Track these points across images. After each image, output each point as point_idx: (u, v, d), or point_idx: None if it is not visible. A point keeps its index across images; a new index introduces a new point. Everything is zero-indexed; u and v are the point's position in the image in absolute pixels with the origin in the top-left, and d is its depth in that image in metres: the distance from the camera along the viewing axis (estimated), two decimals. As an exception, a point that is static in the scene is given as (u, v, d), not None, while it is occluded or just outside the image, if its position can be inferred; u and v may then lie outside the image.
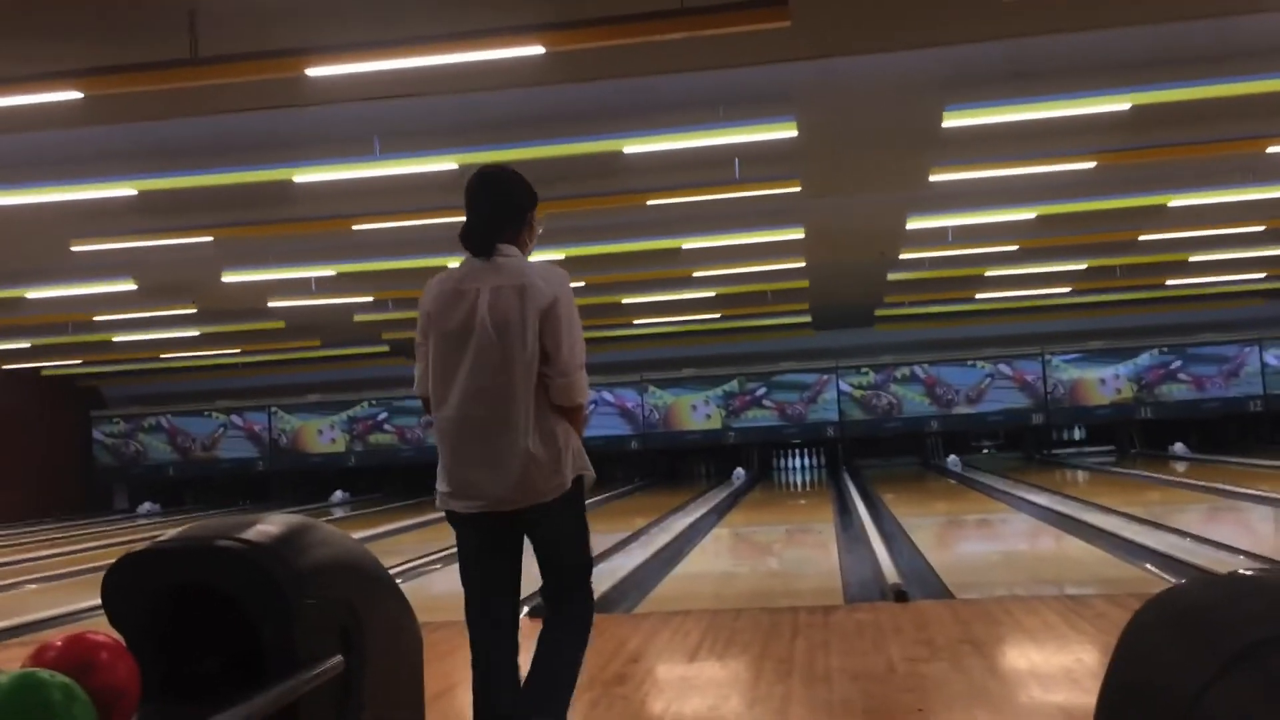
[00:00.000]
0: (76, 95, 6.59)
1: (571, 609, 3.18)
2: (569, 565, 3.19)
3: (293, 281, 14.09)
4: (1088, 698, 3.57)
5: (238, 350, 19.75)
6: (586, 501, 3.24)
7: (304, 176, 9.22)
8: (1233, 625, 0.96)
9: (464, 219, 3.12)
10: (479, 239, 3.10)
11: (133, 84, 6.53)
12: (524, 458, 2.99)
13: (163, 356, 19.96)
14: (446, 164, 9.04)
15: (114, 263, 12.37)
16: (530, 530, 3.12)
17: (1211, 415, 20.19)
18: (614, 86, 8.19)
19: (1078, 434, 22.06)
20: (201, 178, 9.27)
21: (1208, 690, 0.90)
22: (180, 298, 15.04)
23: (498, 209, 3.13)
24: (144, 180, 9.24)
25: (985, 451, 22.05)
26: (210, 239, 10.93)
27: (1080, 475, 17.20)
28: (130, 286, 13.21)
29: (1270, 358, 19.99)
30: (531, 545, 3.16)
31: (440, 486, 3.13)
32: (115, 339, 17.82)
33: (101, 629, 1.79)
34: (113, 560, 2.06)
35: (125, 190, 9.34)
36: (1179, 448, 19.22)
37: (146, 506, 21.58)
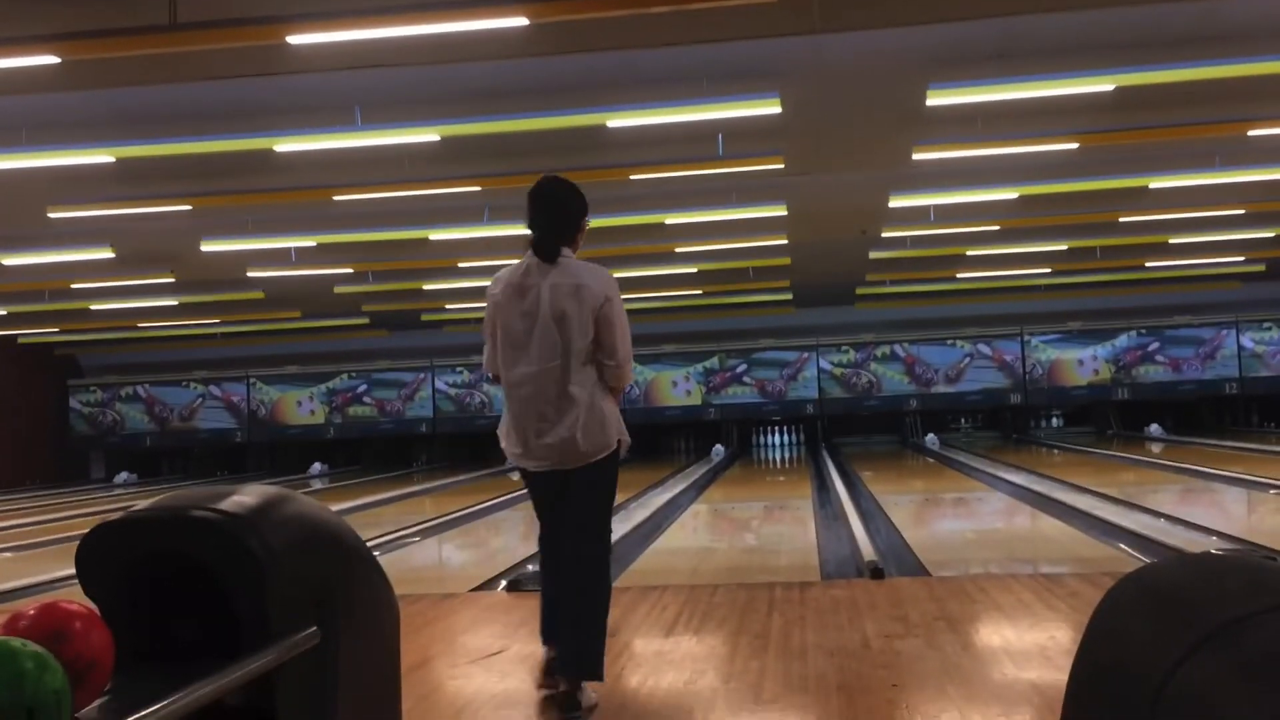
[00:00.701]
0: (53, 60, 6.51)
1: (594, 555, 3.74)
2: (598, 512, 3.77)
3: (272, 252, 14.01)
4: (1060, 675, 3.60)
5: (217, 320, 19.65)
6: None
7: (284, 146, 9.14)
8: (1206, 604, 0.96)
9: (528, 223, 3.74)
10: (548, 248, 3.68)
11: (110, 49, 6.46)
12: (576, 426, 3.61)
13: (141, 326, 19.82)
14: (428, 135, 8.98)
15: (92, 230, 12.26)
16: (579, 479, 3.69)
17: (1188, 397, 20.34)
18: (598, 59, 8.14)
19: (1055, 422, 22.22)
20: (180, 145, 9.18)
21: (1179, 668, 0.90)
22: (159, 267, 14.94)
23: (560, 220, 3.75)
24: (122, 147, 9.14)
25: (963, 424, 22.19)
26: (189, 208, 10.84)
27: (1056, 455, 17.32)
28: (108, 254, 13.09)
29: (1246, 340, 20.14)
30: (573, 492, 3.73)
31: (511, 448, 3.76)
32: (93, 307, 17.70)
33: (75, 598, 1.78)
34: (88, 530, 2.05)
35: (103, 157, 9.24)
36: (1155, 429, 19.36)
37: (123, 476, 21.48)
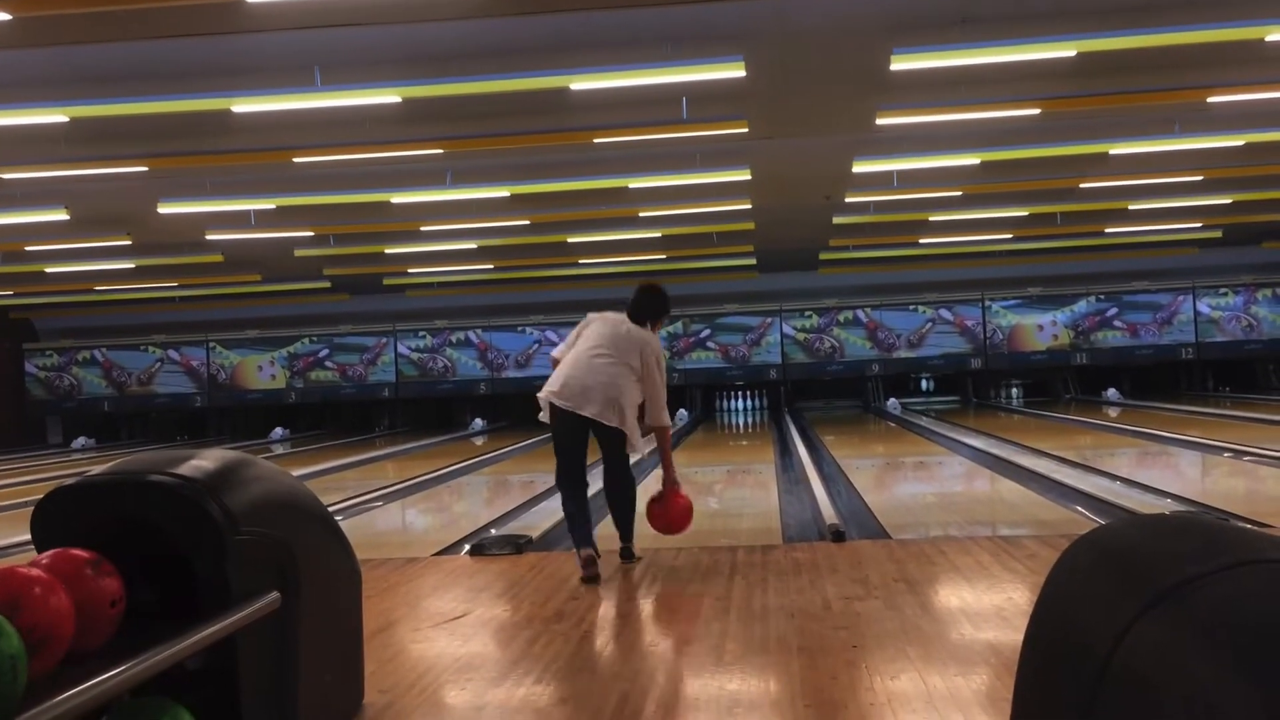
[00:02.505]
0: (4, 16, 6.36)
1: (624, 470, 5.57)
2: (620, 450, 5.46)
3: (231, 214, 13.83)
4: (1017, 635, 3.65)
5: (175, 284, 19.40)
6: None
7: (243, 106, 9.00)
8: (1157, 565, 0.98)
9: (630, 304, 5.68)
10: (637, 319, 5.59)
11: (63, 5, 6.33)
12: (611, 404, 5.29)
13: (97, 289, 19.55)
14: (389, 97, 8.88)
15: (46, 191, 12.05)
16: (600, 431, 5.34)
17: (1144, 362, 20.60)
18: (561, 21, 8.07)
19: (1014, 392, 22.47)
20: (136, 105, 9.01)
21: (1132, 627, 0.92)
22: (114, 229, 14.71)
23: (650, 310, 5.66)
24: (76, 106, 8.97)
25: (922, 386, 22.39)
26: (145, 169, 10.67)
27: (1015, 419, 17.50)
28: (63, 216, 12.87)
29: (1203, 306, 20.39)
30: (598, 441, 5.39)
31: (550, 387, 5.40)
32: (48, 270, 17.42)
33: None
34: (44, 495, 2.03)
35: (56, 116, 9.07)
36: (1112, 393, 19.59)
37: (81, 441, 21.25)
